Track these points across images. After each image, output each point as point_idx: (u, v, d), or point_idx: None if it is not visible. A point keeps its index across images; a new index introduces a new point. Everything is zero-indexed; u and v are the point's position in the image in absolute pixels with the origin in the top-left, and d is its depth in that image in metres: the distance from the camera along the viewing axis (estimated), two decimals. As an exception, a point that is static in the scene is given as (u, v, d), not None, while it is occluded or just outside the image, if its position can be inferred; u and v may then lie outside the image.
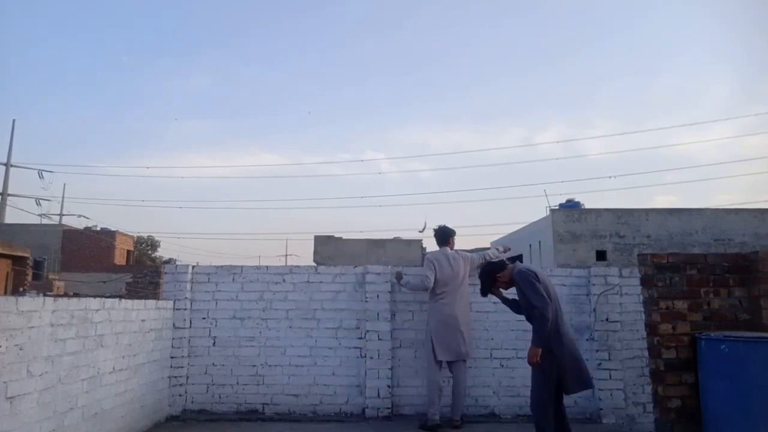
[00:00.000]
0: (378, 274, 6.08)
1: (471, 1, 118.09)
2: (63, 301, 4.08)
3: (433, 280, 5.55)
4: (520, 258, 26.33)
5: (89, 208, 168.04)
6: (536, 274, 4.31)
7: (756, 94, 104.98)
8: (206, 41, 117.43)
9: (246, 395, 5.97)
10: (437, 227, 6.02)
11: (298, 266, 6.48)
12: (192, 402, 5.95)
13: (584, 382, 4.22)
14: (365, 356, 5.93)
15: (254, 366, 6.02)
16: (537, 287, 4.19)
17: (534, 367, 4.21)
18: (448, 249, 5.84)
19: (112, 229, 38.93)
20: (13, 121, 52.53)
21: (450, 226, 6.02)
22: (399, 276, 5.92)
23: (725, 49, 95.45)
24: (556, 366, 4.13)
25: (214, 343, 6.06)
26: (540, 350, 4.11)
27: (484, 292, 4.69)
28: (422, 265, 5.91)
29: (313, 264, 26.30)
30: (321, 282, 6.18)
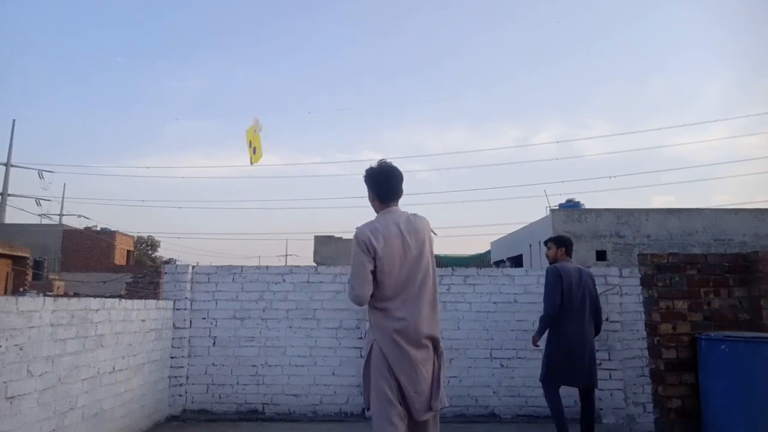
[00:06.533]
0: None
1: (467, 3, 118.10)
2: (63, 301, 4.08)
3: (367, 288, 2.86)
4: (520, 258, 26.30)
5: (89, 208, 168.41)
6: (560, 276, 4.59)
7: (751, 95, 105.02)
8: (203, 42, 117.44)
9: (246, 395, 5.97)
10: (376, 163, 3.14)
11: (298, 266, 6.48)
12: (192, 402, 5.95)
13: (575, 378, 4.55)
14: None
15: (254, 366, 6.02)
16: (552, 289, 4.57)
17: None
18: (398, 211, 3.04)
19: (112, 229, 38.90)
20: (13, 121, 53.03)
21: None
22: None
23: (720, 49, 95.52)
24: (548, 353, 4.62)
25: (214, 343, 6.06)
26: (537, 338, 4.72)
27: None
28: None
29: (313, 264, 26.31)
30: (321, 282, 6.18)
